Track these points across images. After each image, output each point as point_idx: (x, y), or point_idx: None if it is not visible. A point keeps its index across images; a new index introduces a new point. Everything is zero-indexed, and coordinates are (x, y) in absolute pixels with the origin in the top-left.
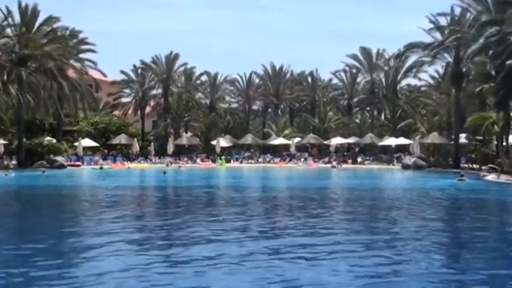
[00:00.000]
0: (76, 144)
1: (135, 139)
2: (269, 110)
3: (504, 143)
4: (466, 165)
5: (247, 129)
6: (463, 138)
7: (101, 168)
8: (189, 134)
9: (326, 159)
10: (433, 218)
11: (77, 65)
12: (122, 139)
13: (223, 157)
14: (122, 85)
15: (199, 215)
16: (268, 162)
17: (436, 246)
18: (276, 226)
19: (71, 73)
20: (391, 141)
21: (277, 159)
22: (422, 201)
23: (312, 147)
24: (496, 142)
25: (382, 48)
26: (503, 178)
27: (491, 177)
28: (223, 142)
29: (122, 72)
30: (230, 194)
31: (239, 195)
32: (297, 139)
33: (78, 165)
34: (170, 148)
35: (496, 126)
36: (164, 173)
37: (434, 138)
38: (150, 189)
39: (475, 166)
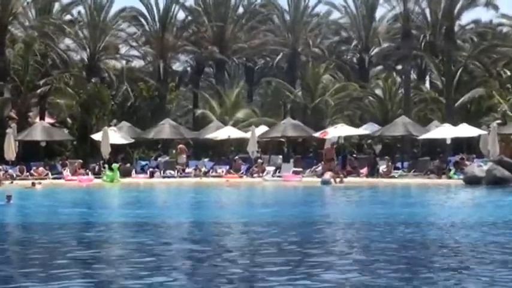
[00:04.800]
0: None
1: None
2: (205, 70)
3: None
4: None
5: (163, 110)
6: None
7: None
8: (49, 120)
9: (318, 169)
10: None
11: None
12: None
13: (115, 165)
14: None
15: None
16: (206, 174)
17: None
18: None
19: None
20: (445, 131)
21: (222, 169)
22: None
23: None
24: None
25: None
26: None
27: None
28: (115, 136)
29: None
30: (119, 246)
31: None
32: (261, 129)
33: None
34: (11, 149)
35: None
36: (8, 198)
37: None
38: None
39: None
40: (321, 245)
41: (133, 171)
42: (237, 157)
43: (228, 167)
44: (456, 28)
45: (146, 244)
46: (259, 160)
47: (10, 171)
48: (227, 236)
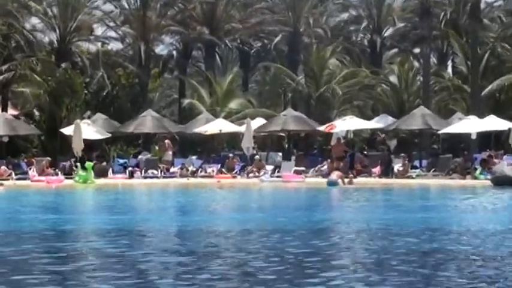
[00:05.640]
0: None
1: None
2: (193, 54)
3: None
4: None
5: (145, 100)
6: None
7: None
8: (12, 112)
9: (323, 168)
10: None
11: None
12: None
13: (89, 164)
14: None
15: None
16: (194, 174)
17: None
18: None
19: None
20: (470, 124)
21: (212, 168)
22: None
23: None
24: None
25: None
26: None
27: None
28: (89, 130)
29: None
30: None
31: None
32: (258, 122)
33: None
34: None
35: None
36: None
37: None
38: None
39: None
40: (328, 259)
41: (110, 171)
42: (232, 154)
43: (219, 165)
44: (482, 5)
45: (121, 255)
46: (256, 157)
47: None
48: (215, 247)
